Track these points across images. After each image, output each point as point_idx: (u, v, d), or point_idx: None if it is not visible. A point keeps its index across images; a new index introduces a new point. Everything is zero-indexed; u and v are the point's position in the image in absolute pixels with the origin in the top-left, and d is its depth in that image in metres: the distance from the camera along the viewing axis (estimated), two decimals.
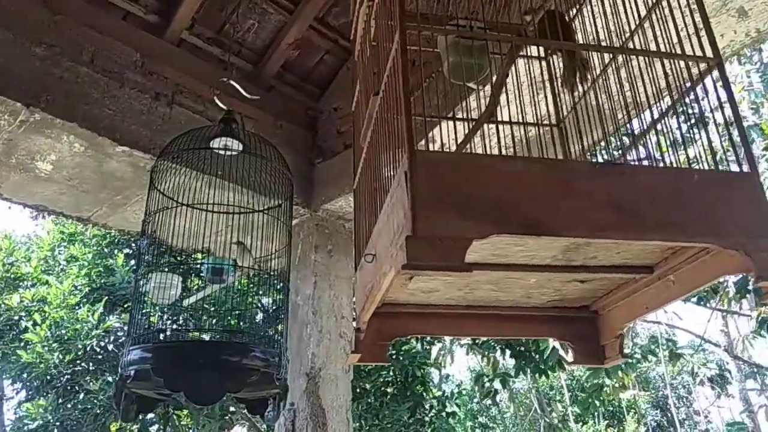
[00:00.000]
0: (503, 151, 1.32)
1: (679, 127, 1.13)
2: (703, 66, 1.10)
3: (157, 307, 2.77)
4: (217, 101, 2.70)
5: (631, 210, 0.95)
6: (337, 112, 3.81)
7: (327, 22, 3.58)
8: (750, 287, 7.47)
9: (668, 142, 1.17)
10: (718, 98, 1.06)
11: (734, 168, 1.11)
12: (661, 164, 1.21)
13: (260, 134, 2.85)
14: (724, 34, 2.40)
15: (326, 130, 3.83)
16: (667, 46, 1.17)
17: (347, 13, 3.59)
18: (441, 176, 0.94)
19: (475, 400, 16.19)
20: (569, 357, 1.43)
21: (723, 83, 1.06)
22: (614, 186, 0.97)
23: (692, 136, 1.15)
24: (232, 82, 2.71)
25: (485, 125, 1.40)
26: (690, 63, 1.12)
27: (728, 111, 1.06)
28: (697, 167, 1.07)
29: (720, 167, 1.08)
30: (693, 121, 1.14)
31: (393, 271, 0.95)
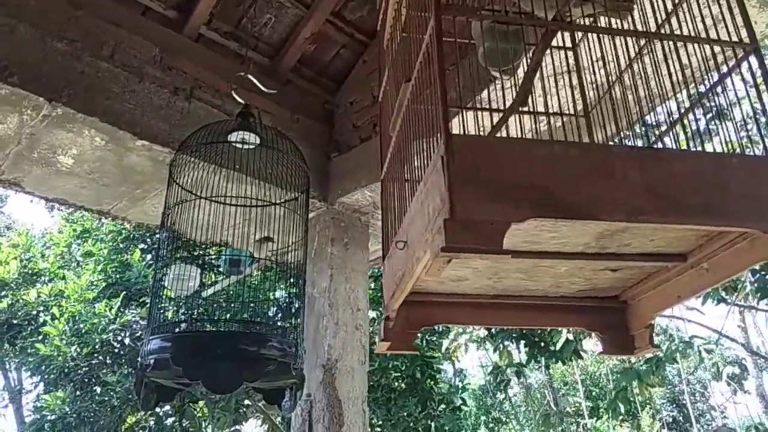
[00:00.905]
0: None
1: (716, 113, 1.12)
2: (739, 51, 1.08)
3: (174, 300, 2.80)
4: (235, 96, 2.71)
5: (670, 194, 0.95)
6: (353, 106, 3.81)
7: (343, 16, 3.58)
8: None
9: (698, 129, 1.16)
10: (755, 82, 1.05)
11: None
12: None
13: (277, 128, 2.86)
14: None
15: (342, 124, 3.84)
16: (700, 33, 1.16)
17: (363, 6, 3.58)
18: (477, 160, 0.93)
19: (489, 395, 16.19)
20: (599, 347, 1.42)
21: (760, 66, 1.05)
22: (652, 170, 0.96)
23: (725, 121, 1.13)
24: (249, 77, 2.72)
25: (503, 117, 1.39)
26: (725, 48, 1.11)
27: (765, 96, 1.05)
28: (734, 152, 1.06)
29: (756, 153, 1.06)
30: (727, 106, 1.13)
31: (428, 255, 0.95)
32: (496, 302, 1.43)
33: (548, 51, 1.54)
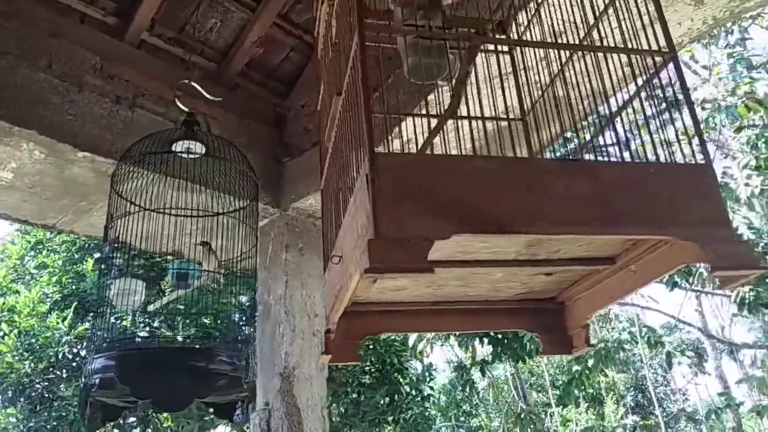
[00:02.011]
0: (472, 146, 1.32)
1: (637, 120, 1.15)
2: (659, 59, 1.11)
3: (120, 315, 2.74)
4: (179, 103, 2.66)
5: (591, 205, 0.96)
6: (304, 109, 3.78)
7: (290, 19, 3.54)
8: None
9: (624, 136, 1.19)
10: (673, 91, 1.07)
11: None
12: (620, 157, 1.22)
13: (223, 135, 2.82)
14: (682, 22, 2.44)
15: (293, 127, 3.80)
16: (628, 38, 1.18)
17: (311, 9, 3.55)
18: (402, 178, 0.93)
19: (459, 389, 16.34)
20: (540, 347, 1.44)
21: (677, 75, 1.07)
22: (575, 181, 0.97)
23: (650, 127, 1.16)
24: (194, 84, 2.68)
25: (448, 122, 1.40)
26: (645, 57, 1.13)
27: (683, 103, 1.08)
28: (655, 159, 1.08)
29: (682, 159, 1.09)
30: (650, 113, 1.15)
31: (358, 274, 0.95)
32: (437, 309, 1.44)
33: (482, 55, 1.55)
